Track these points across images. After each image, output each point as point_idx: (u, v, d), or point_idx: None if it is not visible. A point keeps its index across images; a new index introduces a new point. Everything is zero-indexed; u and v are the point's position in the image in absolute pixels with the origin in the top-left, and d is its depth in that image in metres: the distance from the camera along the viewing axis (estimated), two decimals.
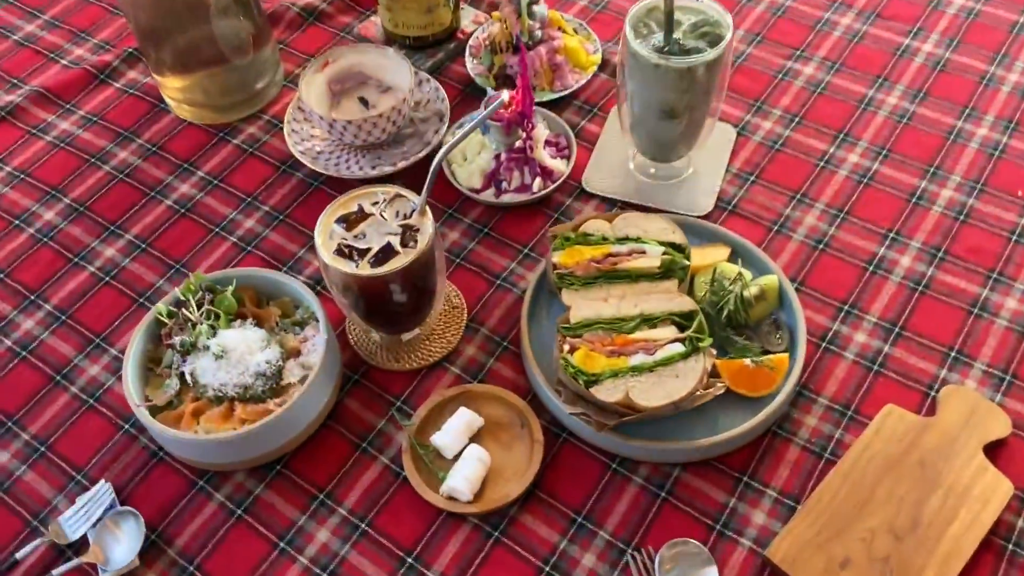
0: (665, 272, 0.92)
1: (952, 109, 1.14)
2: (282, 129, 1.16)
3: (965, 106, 1.14)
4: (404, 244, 0.86)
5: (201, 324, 0.90)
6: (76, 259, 1.07)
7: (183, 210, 1.11)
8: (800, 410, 0.91)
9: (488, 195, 1.07)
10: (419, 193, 0.87)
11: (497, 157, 1.08)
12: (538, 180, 1.07)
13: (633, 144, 1.08)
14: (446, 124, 1.13)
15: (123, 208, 1.11)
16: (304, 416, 0.87)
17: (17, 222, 1.10)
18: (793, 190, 1.08)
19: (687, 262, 0.92)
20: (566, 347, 0.87)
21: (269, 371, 0.88)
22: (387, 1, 1.20)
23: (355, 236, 0.87)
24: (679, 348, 0.85)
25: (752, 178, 1.09)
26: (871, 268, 1.01)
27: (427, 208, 0.87)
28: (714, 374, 0.89)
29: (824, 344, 0.95)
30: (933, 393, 0.91)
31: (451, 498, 0.85)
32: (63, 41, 1.31)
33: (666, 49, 0.94)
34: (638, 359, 0.85)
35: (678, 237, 0.94)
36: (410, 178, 1.11)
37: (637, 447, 0.86)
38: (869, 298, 0.98)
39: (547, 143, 1.11)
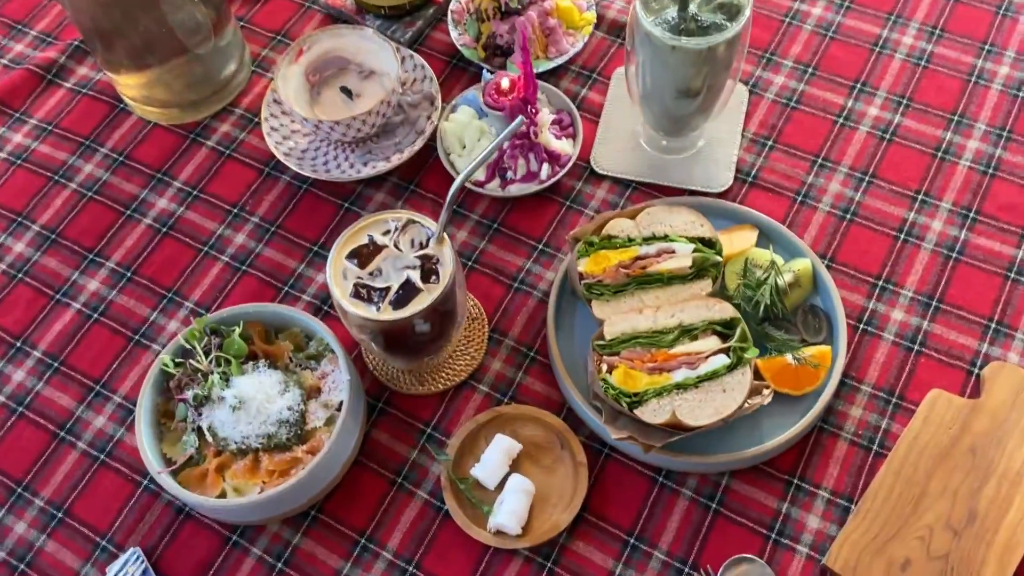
0: (698, 272, 0.87)
1: (971, 46, 1.08)
2: (259, 125, 1.07)
3: (984, 42, 1.08)
4: (425, 279, 0.80)
5: (212, 374, 0.84)
6: (58, 296, 0.99)
7: (165, 228, 1.03)
8: (844, 401, 0.88)
9: (493, 187, 1.01)
10: (432, 213, 0.81)
11: (501, 148, 1.01)
12: (545, 166, 1.00)
13: (643, 117, 1.00)
14: (438, 108, 1.05)
15: (99, 231, 1.03)
16: (336, 462, 0.83)
17: None
18: (813, 153, 1.02)
19: (719, 258, 0.88)
20: (604, 367, 0.83)
21: (292, 418, 0.83)
22: None
23: (370, 274, 0.80)
24: (723, 360, 0.81)
25: (769, 143, 1.03)
26: (902, 236, 0.96)
27: (445, 236, 0.81)
28: (757, 376, 0.85)
29: (861, 326, 0.92)
30: (977, 371, 0.89)
31: (499, 533, 0.82)
32: None
33: (682, 28, 0.86)
34: (681, 375, 0.81)
35: (706, 231, 0.89)
36: (406, 171, 1.04)
37: (684, 462, 0.84)
38: (903, 271, 0.95)
39: (552, 124, 1.04)
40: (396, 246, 0.81)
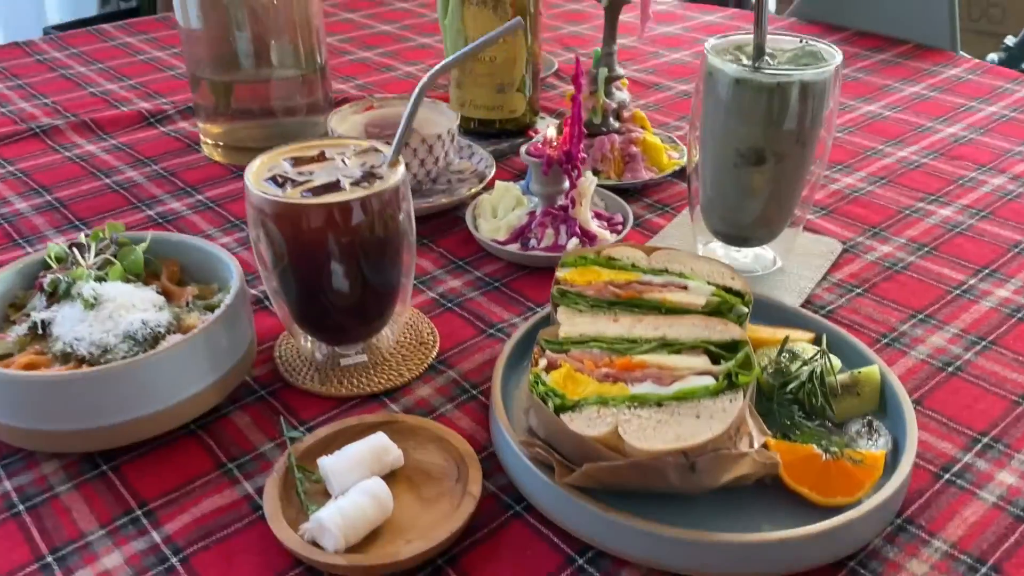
0: (710, 313, 0.64)
1: None
2: None
3: None
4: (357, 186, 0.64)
5: (89, 271, 0.69)
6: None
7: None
8: (901, 550, 0.56)
9: (511, 248, 0.85)
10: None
11: (532, 214, 0.87)
12: (573, 241, 0.84)
13: (704, 224, 0.84)
14: (483, 184, 0.95)
15: None
16: (166, 388, 0.61)
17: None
18: (914, 309, 0.79)
19: (745, 309, 0.65)
20: (543, 362, 0.59)
21: (142, 335, 0.64)
22: (459, 76, 1.08)
23: (300, 172, 0.66)
24: (707, 381, 0.55)
25: (858, 290, 0.82)
26: None
27: (400, 161, 0.66)
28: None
29: (947, 476, 0.62)
30: None
31: (314, 543, 0.54)
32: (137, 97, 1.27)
33: (755, 66, 0.74)
34: (644, 388, 0.56)
35: (738, 284, 0.67)
36: (426, 229, 0.91)
37: (622, 529, 0.54)
38: (1023, 435, 0.65)
39: (596, 215, 0.90)
40: (343, 160, 0.67)
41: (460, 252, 0.88)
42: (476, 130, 1.10)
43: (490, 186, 0.95)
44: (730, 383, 0.55)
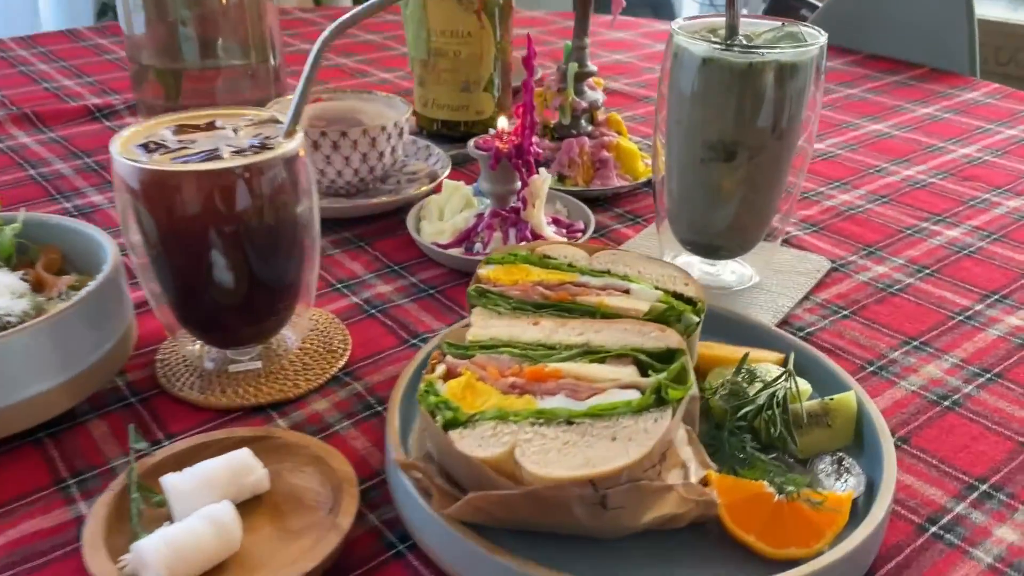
0: (652, 320, 0.54)
1: None
2: None
3: None
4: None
5: None
6: None
7: None
8: None
9: (455, 252, 0.75)
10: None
11: (480, 216, 0.78)
12: None
13: (672, 234, 0.74)
14: (433, 185, 0.86)
15: None
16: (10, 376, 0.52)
17: None
18: (908, 335, 0.69)
19: (695, 318, 0.54)
20: (440, 368, 0.49)
21: None
22: (421, 73, 1.00)
23: (180, 141, 0.57)
24: (631, 395, 0.45)
25: (844, 312, 0.71)
26: None
27: (298, 131, 0.57)
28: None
29: (933, 528, 0.50)
30: None
31: None
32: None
33: (726, 45, 0.65)
34: (554, 402, 0.45)
35: (691, 290, 0.57)
36: (365, 230, 0.82)
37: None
38: None
39: (555, 220, 0.80)
40: (235, 131, 0.58)
41: (397, 256, 0.78)
42: (440, 132, 1.02)
43: (441, 188, 0.85)
44: (658, 399, 0.44)
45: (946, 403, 0.61)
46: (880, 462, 0.50)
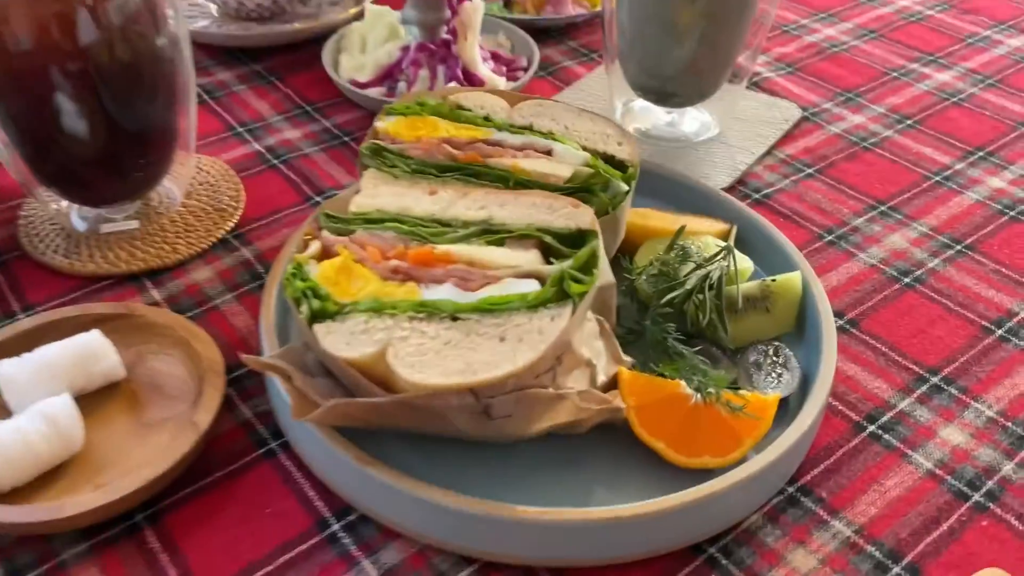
0: (574, 190, 0.46)
1: None
2: None
3: None
4: None
5: None
6: None
7: None
8: (785, 533, 0.40)
9: (375, 93, 0.66)
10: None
11: (405, 49, 0.68)
12: (452, 88, 0.66)
13: (624, 78, 0.65)
14: (357, 10, 0.75)
15: None
16: None
17: None
18: (876, 199, 0.61)
19: (624, 187, 0.47)
20: (314, 246, 0.42)
21: None
22: None
23: None
24: (530, 286, 0.38)
25: (808, 170, 0.64)
26: (999, 332, 0.51)
27: None
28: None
29: (872, 427, 0.45)
30: None
31: None
32: None
33: None
34: (443, 293, 0.39)
35: (624, 151, 0.49)
36: (275, 63, 0.72)
37: (385, 490, 0.38)
38: (987, 377, 0.48)
39: (494, 56, 0.71)
40: None
41: (311, 94, 0.69)
42: None
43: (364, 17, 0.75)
44: (559, 292, 0.38)
45: (907, 279, 0.55)
46: (819, 355, 0.44)
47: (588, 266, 0.39)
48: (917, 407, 0.46)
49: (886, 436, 0.45)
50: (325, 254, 0.42)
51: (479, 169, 0.47)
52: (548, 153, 0.48)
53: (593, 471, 0.41)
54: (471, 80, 0.66)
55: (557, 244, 0.40)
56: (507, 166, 0.47)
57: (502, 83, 0.68)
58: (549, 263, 0.40)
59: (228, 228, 0.55)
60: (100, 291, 0.51)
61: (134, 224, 0.54)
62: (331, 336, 0.38)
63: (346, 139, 0.64)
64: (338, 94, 0.69)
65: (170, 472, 0.39)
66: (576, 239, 0.41)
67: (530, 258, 0.40)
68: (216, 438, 0.43)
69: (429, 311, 0.38)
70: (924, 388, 0.47)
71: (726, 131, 0.67)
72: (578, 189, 0.46)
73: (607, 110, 0.68)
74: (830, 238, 0.58)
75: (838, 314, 0.51)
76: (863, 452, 0.44)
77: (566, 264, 0.39)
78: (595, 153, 0.49)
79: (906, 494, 0.42)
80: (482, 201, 0.43)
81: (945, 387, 0.48)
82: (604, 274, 0.41)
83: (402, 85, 0.67)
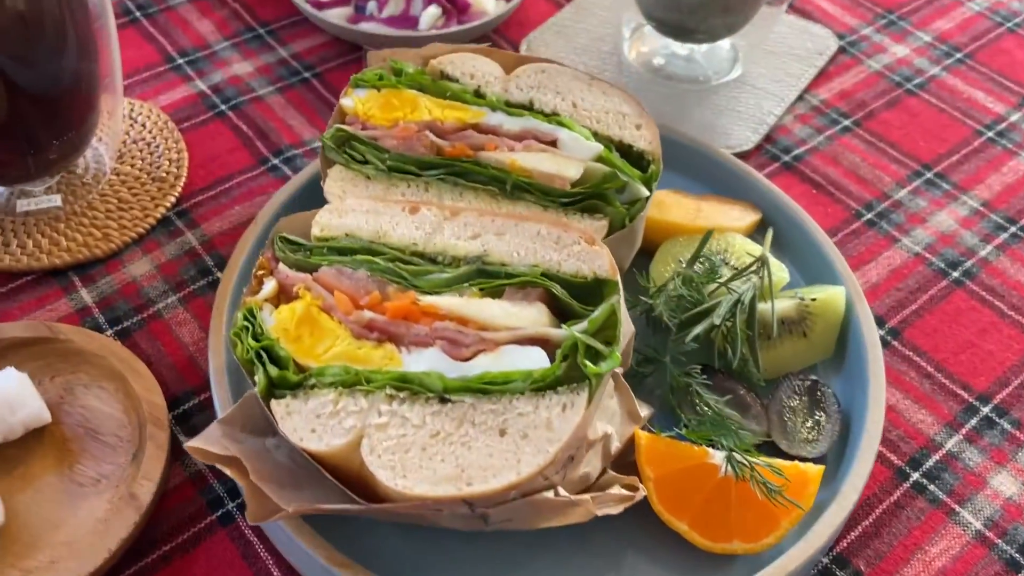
0: (585, 197, 0.38)
1: None
2: None
3: None
4: None
5: None
6: None
7: None
8: None
9: (336, 16, 0.56)
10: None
11: None
12: (432, 10, 0.55)
13: (636, 5, 0.55)
14: None
15: None
16: None
17: None
18: (922, 162, 0.53)
19: (645, 192, 0.39)
20: (269, 284, 0.34)
21: None
22: None
23: None
24: (538, 360, 0.31)
25: (845, 122, 0.55)
26: None
27: None
28: (625, 469, 0.34)
29: (917, 475, 0.40)
30: None
31: None
32: None
33: None
34: (425, 360, 0.31)
35: (644, 138, 0.41)
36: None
37: None
38: None
39: None
40: None
41: (264, 14, 0.58)
42: None
43: None
44: (571, 369, 0.31)
45: (955, 273, 0.48)
46: (864, 396, 0.38)
47: (606, 330, 0.32)
48: (966, 448, 0.41)
49: (931, 487, 0.39)
50: (283, 294, 0.34)
51: (469, 167, 0.38)
52: (552, 143, 0.39)
53: (604, 553, 0.35)
54: (456, 2, 0.56)
55: (567, 299, 0.33)
56: (504, 163, 0.38)
57: (490, 6, 0.57)
58: (556, 314, 0.33)
59: (169, 204, 0.46)
60: (17, 292, 0.43)
61: (56, 200, 0.45)
62: (293, 418, 0.31)
63: (307, 75, 0.55)
64: (296, 12, 0.58)
65: (105, 564, 0.33)
66: (590, 290, 0.33)
67: (534, 316, 0.32)
68: (162, 496, 0.36)
69: (412, 389, 0.31)
70: (974, 422, 0.42)
71: (751, 70, 0.57)
72: (589, 195, 0.38)
73: (614, 35, 0.59)
74: (869, 216, 0.50)
75: (878, 321, 0.45)
76: (906, 509, 0.39)
77: (579, 328, 0.31)
78: (608, 142, 0.40)
79: (952, 564, 0.37)
80: (475, 226, 0.35)
81: (997, 420, 0.42)
82: (623, 324, 0.34)
83: (372, 5, 0.56)
